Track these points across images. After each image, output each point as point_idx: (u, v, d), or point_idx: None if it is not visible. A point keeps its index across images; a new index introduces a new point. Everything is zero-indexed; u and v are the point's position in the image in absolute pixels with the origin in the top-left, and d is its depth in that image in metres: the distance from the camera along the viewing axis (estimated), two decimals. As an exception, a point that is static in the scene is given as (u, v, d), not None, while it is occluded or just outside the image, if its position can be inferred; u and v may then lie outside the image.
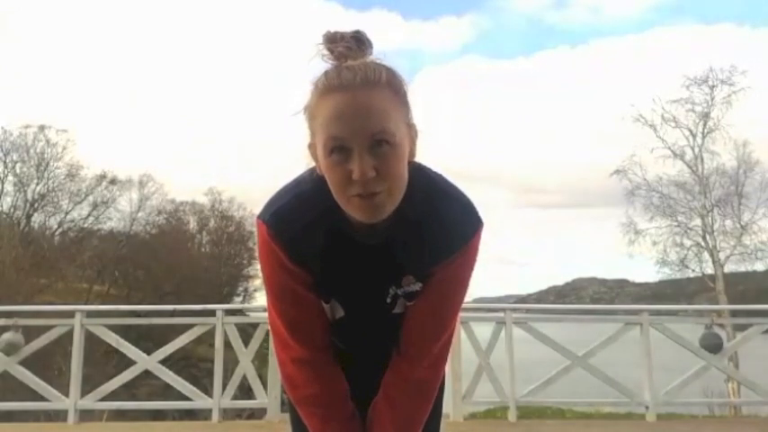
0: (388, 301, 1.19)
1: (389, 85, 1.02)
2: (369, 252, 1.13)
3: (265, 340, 5.29)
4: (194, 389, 5.35)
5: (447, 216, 1.12)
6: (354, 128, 0.97)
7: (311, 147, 1.08)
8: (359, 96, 0.98)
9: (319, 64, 1.05)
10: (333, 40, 1.04)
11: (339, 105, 0.98)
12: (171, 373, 5.38)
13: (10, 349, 5.18)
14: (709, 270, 18.69)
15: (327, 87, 1.00)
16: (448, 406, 5.04)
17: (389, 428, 1.25)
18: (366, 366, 1.32)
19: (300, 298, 1.16)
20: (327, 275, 1.15)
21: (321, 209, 1.08)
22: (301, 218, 1.09)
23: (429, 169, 1.16)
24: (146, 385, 10.31)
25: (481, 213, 1.15)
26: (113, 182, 30.65)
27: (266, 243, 1.11)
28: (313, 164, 1.11)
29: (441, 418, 1.41)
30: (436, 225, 1.11)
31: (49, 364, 11.30)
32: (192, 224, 38.84)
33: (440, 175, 1.17)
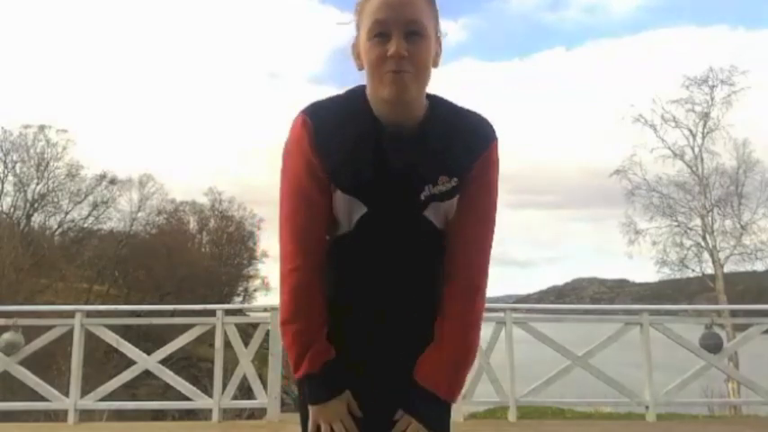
0: (423, 198, 1.23)
1: None
2: (402, 145, 1.23)
3: (265, 340, 5.30)
4: (194, 389, 5.34)
5: (471, 119, 1.29)
6: (396, 15, 1.17)
7: (354, 47, 1.27)
8: None
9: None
10: None
11: None
12: (171, 373, 5.37)
13: (10, 349, 5.17)
14: (710, 270, 18.69)
15: None
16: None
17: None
18: (388, 329, 1.30)
19: (312, 203, 1.24)
20: (355, 163, 1.21)
21: (355, 106, 1.25)
22: (336, 108, 1.26)
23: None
24: (146, 385, 10.32)
25: None
26: (113, 182, 30.73)
27: (297, 130, 1.24)
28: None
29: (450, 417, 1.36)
30: (462, 125, 1.27)
31: (49, 364, 11.31)
32: (192, 224, 38.87)
33: None
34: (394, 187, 1.23)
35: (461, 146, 1.24)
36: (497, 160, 1.28)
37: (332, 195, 1.24)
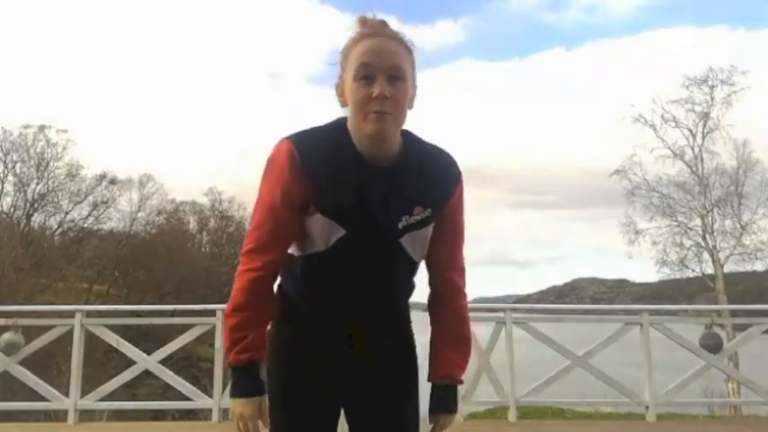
0: (401, 227, 1.35)
1: (407, 47, 1.35)
2: (381, 177, 1.32)
3: (265, 340, 5.29)
4: (194, 389, 5.33)
5: (439, 157, 1.42)
6: (380, 60, 1.29)
7: (338, 86, 1.38)
8: (386, 41, 1.32)
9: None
10: (364, 20, 1.36)
11: (371, 44, 1.31)
12: (171, 373, 5.36)
13: (10, 349, 5.17)
14: (710, 270, 18.68)
15: (364, 34, 1.32)
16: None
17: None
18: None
19: (280, 225, 1.33)
20: (338, 188, 1.30)
21: (338, 138, 1.33)
22: (321, 136, 1.35)
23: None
24: (146, 385, 10.31)
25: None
26: (113, 182, 30.74)
27: (281, 156, 1.31)
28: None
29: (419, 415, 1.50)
30: (433, 161, 1.39)
31: (49, 364, 11.32)
32: (192, 224, 38.86)
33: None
34: (373, 215, 1.32)
35: (433, 182, 1.38)
36: (463, 192, 1.45)
37: (305, 219, 1.33)
